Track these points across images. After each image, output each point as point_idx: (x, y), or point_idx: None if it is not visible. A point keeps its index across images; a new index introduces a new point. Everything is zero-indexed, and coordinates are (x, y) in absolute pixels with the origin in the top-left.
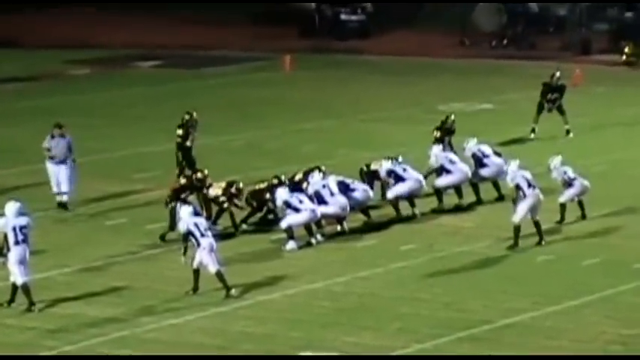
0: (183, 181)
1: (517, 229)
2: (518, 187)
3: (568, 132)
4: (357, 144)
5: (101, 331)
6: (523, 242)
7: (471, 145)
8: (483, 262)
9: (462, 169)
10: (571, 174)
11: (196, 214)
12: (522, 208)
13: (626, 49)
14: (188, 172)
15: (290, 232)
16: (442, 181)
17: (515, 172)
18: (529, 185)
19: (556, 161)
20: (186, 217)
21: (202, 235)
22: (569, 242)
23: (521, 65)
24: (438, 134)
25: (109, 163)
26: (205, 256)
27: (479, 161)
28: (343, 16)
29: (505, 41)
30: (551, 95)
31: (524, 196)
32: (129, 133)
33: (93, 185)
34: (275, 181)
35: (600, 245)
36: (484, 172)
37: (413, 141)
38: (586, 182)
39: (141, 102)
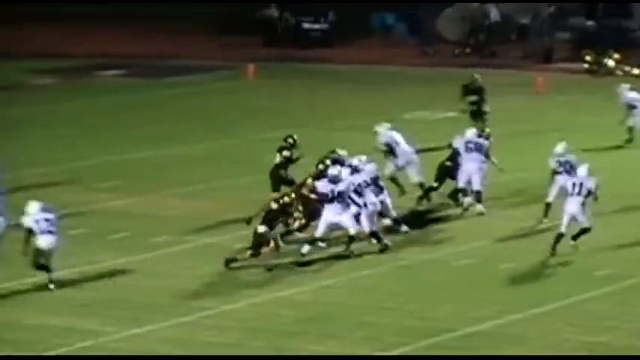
0: (275, 205)
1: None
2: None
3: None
4: (320, 152)
5: (64, 341)
6: (485, 250)
7: (384, 131)
8: (447, 270)
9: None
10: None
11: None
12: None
13: (588, 58)
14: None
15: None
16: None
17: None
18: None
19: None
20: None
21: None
22: (534, 250)
23: (484, 73)
24: None
25: (72, 173)
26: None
27: (392, 150)
28: (306, 25)
29: (468, 50)
30: (470, 97)
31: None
32: (92, 142)
33: (56, 195)
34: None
35: (563, 253)
36: (397, 161)
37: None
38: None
39: (104, 111)
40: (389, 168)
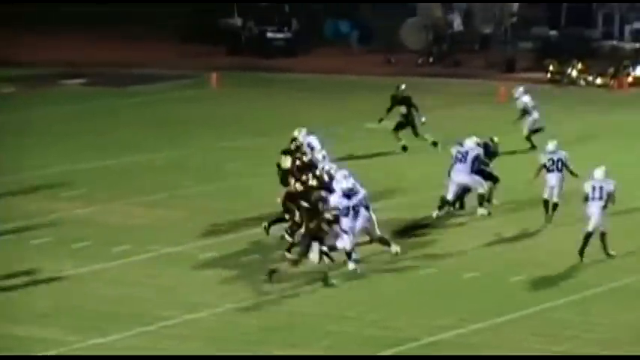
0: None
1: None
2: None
3: (404, 148)
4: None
5: (27, 350)
6: (449, 260)
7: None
8: (410, 279)
9: None
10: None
11: None
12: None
13: (551, 67)
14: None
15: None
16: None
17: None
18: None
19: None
20: None
21: None
22: (496, 259)
23: (447, 83)
24: None
25: (36, 181)
26: None
27: None
28: (269, 34)
29: (431, 59)
30: (401, 108)
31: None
32: (56, 150)
33: (19, 203)
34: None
35: (527, 262)
36: None
37: (339, 159)
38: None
39: (68, 120)
40: None
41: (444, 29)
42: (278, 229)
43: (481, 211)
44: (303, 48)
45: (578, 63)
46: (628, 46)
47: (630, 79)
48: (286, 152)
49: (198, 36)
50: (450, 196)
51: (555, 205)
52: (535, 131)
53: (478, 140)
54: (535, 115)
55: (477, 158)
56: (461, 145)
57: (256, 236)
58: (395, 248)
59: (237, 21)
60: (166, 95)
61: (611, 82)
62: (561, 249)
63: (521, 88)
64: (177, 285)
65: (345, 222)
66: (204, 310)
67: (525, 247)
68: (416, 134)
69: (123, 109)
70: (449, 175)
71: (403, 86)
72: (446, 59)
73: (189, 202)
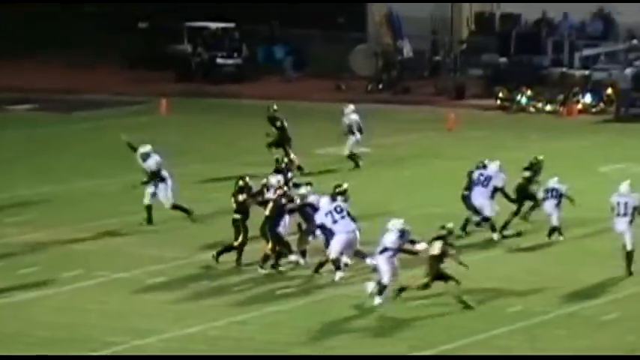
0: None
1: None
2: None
3: (277, 160)
4: (232, 188)
5: None
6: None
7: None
8: (359, 306)
9: None
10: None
11: None
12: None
13: (500, 94)
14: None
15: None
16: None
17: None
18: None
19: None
20: None
21: None
22: (445, 286)
23: (396, 109)
24: None
25: None
26: None
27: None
28: (219, 60)
29: (380, 86)
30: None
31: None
32: (4, 176)
33: None
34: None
35: (475, 289)
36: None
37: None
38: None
39: (15, 146)
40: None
41: (394, 56)
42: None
43: (496, 236)
44: (253, 74)
45: (527, 90)
46: (577, 73)
47: (579, 106)
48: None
49: (147, 62)
50: (489, 213)
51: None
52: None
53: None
54: (358, 136)
55: (496, 187)
56: (484, 167)
57: (206, 262)
58: (340, 274)
59: (187, 47)
60: (115, 121)
61: (561, 108)
62: (506, 276)
63: (351, 106)
64: (126, 311)
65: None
66: (152, 335)
67: (473, 275)
68: (287, 154)
69: (71, 134)
70: (465, 196)
71: (275, 107)
72: (395, 86)
73: (139, 228)
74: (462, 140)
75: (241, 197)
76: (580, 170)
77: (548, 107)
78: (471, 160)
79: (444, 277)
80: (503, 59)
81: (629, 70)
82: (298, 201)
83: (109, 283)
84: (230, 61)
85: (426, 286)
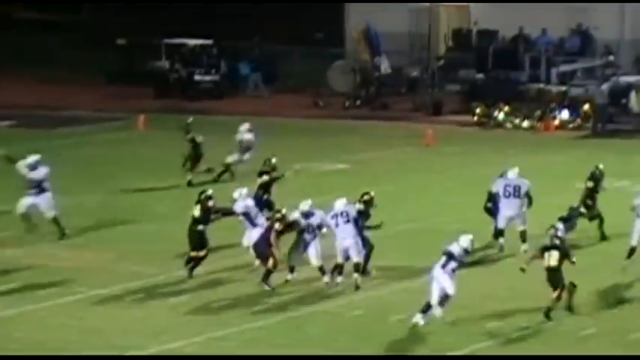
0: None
1: None
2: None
3: (189, 183)
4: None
5: None
6: (378, 301)
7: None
8: (336, 322)
9: None
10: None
11: None
12: None
13: (478, 110)
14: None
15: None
16: None
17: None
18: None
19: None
20: None
21: None
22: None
23: (374, 125)
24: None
25: None
26: None
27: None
28: (197, 77)
29: (358, 102)
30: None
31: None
32: None
33: None
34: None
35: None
36: None
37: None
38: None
39: None
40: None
41: (372, 72)
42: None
43: (524, 247)
44: (231, 90)
45: (504, 106)
46: (554, 89)
47: (556, 121)
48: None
49: (125, 78)
50: (502, 225)
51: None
52: (226, 170)
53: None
54: (247, 155)
55: (528, 193)
56: (506, 177)
57: (184, 277)
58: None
59: (165, 63)
60: (94, 137)
61: (538, 124)
62: (489, 290)
63: (246, 125)
64: (104, 327)
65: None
66: (131, 352)
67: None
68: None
69: (50, 150)
70: (491, 209)
71: (190, 119)
72: (373, 102)
73: (117, 244)
74: (440, 156)
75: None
76: (557, 186)
77: (526, 123)
78: (447, 175)
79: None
80: (480, 75)
81: (605, 86)
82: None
83: (87, 299)
84: (208, 78)
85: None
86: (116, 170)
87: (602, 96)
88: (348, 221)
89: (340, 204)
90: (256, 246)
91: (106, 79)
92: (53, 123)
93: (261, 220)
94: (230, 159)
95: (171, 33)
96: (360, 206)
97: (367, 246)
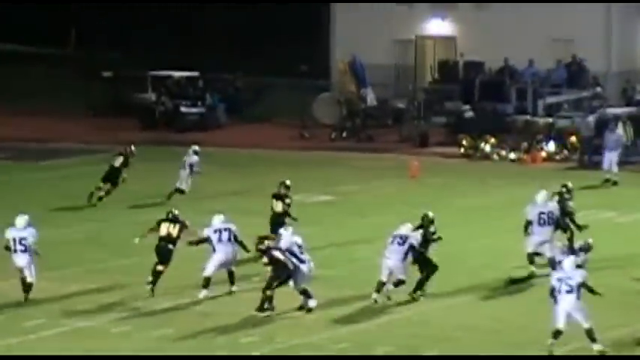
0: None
1: None
2: None
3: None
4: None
5: None
6: (364, 335)
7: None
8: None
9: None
10: None
11: None
12: None
13: (464, 142)
14: None
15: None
16: None
17: None
18: None
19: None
20: None
21: None
22: (411, 335)
23: (360, 157)
24: None
25: None
26: None
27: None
28: (183, 109)
29: (344, 134)
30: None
31: None
32: None
33: None
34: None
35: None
36: None
37: (252, 233)
38: None
39: None
40: None
41: (358, 104)
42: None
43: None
44: (217, 122)
45: (491, 138)
46: (541, 120)
47: (543, 153)
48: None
49: (111, 110)
50: (550, 253)
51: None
52: (178, 191)
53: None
54: (189, 179)
55: (557, 219)
56: (537, 203)
57: (170, 310)
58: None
59: (151, 95)
60: (80, 169)
61: (525, 156)
62: (474, 322)
63: (195, 148)
64: None
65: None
66: None
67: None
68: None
69: (36, 183)
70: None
71: (132, 148)
72: (359, 134)
73: (104, 277)
74: (425, 187)
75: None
76: None
77: (512, 155)
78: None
79: None
80: (466, 107)
81: (592, 118)
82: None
83: (73, 332)
84: (194, 110)
85: None
86: (103, 202)
87: (588, 128)
88: (401, 244)
89: (405, 229)
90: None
91: (92, 112)
92: (38, 155)
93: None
94: (181, 184)
95: (156, 65)
96: (418, 236)
97: (429, 266)
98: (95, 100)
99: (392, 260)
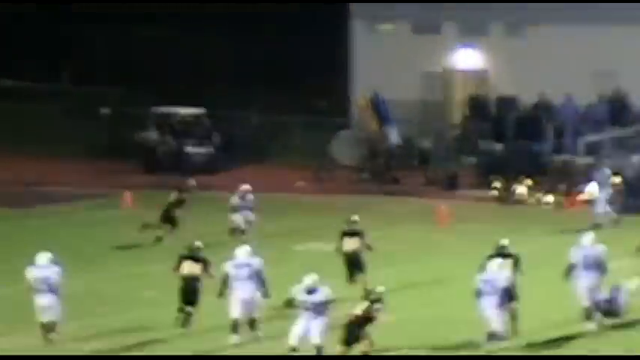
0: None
1: None
2: None
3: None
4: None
5: None
6: None
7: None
8: None
9: None
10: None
11: None
12: None
13: (497, 185)
14: None
15: None
16: None
17: None
18: None
19: None
20: None
21: None
22: None
23: (383, 201)
24: None
25: None
26: None
27: None
28: (189, 149)
29: (365, 175)
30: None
31: None
32: None
33: None
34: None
35: None
36: None
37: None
38: None
39: None
40: None
41: (380, 143)
42: None
43: (590, 325)
44: (225, 164)
45: (526, 179)
46: (581, 160)
47: (583, 196)
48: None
49: (112, 152)
50: (588, 303)
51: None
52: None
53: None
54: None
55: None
56: (582, 246)
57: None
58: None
59: (153, 134)
60: (77, 216)
61: (563, 199)
62: None
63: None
64: None
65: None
66: None
67: None
68: None
69: (28, 231)
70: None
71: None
72: (382, 176)
73: (104, 333)
74: (454, 235)
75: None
76: None
77: (549, 198)
78: (462, 258)
79: None
80: (499, 146)
81: (637, 158)
82: None
83: None
84: (201, 150)
85: None
86: (102, 252)
87: (632, 168)
88: (492, 294)
89: (494, 268)
90: None
91: (89, 153)
92: (32, 201)
93: None
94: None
95: (161, 102)
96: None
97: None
98: (92, 139)
99: (491, 309)
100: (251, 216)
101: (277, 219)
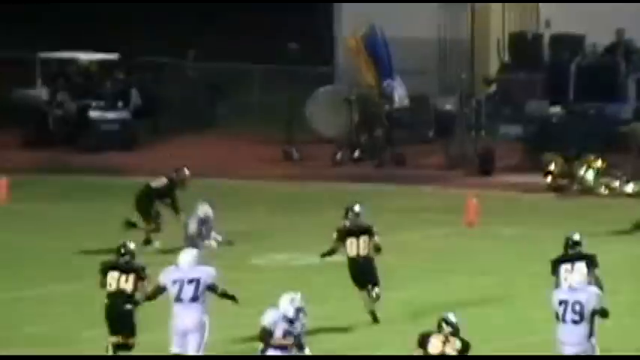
0: None
1: None
2: None
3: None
4: None
5: None
6: None
7: None
8: None
9: None
10: None
11: None
12: None
13: (552, 167)
14: None
15: None
16: None
17: None
18: None
19: None
20: None
21: None
22: None
23: (384, 192)
24: None
25: None
26: None
27: None
28: (94, 114)
29: (357, 153)
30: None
31: None
32: None
33: None
34: None
35: None
36: None
37: None
38: None
39: None
40: None
41: (379, 105)
42: None
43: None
44: (148, 137)
45: (596, 159)
46: None
47: None
48: None
49: None
50: None
51: None
52: None
53: None
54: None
55: None
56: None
57: None
58: None
59: (42, 91)
60: None
61: None
62: None
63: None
64: None
65: None
66: None
67: None
68: None
69: None
70: None
71: None
72: (381, 153)
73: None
74: (490, 241)
75: None
76: None
77: (630, 187)
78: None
79: None
80: (556, 109)
81: None
82: None
83: None
84: (111, 115)
85: None
86: None
87: None
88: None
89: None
90: None
91: None
92: None
93: None
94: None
95: (52, 44)
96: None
97: None
98: None
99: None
100: (218, 237)
101: (230, 216)
